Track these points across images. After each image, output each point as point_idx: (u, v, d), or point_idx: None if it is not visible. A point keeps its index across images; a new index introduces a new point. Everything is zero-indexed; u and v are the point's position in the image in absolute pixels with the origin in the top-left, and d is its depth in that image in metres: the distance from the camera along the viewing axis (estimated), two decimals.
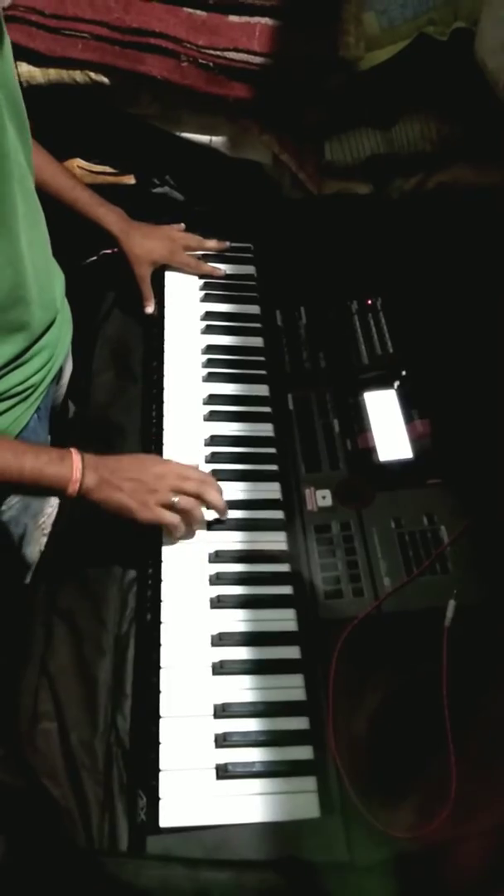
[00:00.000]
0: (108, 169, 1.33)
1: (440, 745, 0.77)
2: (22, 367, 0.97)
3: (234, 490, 0.98)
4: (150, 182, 1.34)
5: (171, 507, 0.90)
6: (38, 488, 0.88)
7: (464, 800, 0.74)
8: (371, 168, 1.28)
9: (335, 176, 1.29)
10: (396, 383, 1.07)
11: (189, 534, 0.93)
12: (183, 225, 1.25)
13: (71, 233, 1.10)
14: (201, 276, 1.22)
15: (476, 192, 1.26)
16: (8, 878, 0.80)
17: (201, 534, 0.94)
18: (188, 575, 0.91)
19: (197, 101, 1.20)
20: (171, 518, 0.91)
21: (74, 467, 0.87)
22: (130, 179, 1.34)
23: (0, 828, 0.83)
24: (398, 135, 1.26)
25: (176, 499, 0.90)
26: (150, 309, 1.17)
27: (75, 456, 0.88)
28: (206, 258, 1.24)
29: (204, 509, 0.94)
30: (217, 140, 1.26)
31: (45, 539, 1.11)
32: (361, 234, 1.26)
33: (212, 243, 1.24)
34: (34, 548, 1.15)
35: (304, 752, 0.79)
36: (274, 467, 1.01)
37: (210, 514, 0.94)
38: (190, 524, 0.93)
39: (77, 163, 1.33)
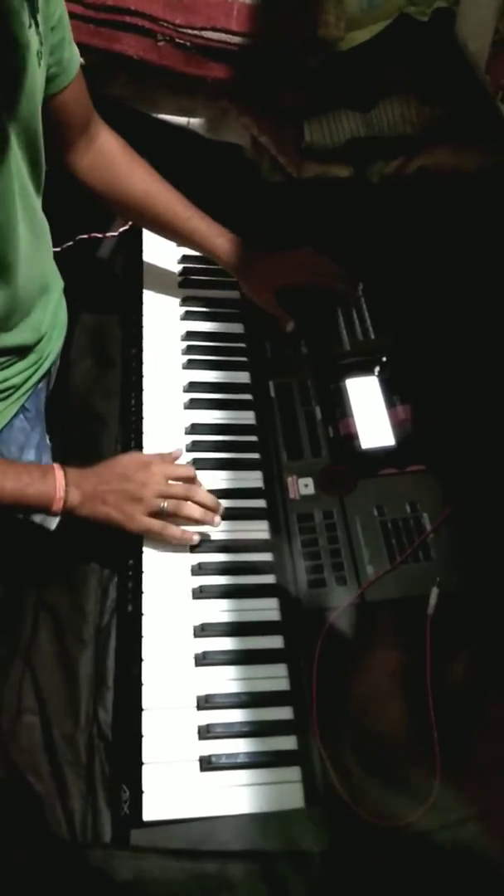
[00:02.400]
0: None
1: (424, 733, 0.77)
2: (4, 368, 0.96)
3: (216, 479, 0.97)
4: None
5: (158, 513, 0.89)
6: (21, 508, 0.87)
7: (448, 788, 0.74)
8: (351, 151, 1.26)
9: (315, 159, 1.27)
10: (377, 369, 1.06)
11: (183, 537, 0.90)
12: (315, 253, 1.14)
13: (51, 216, 1.08)
14: (345, 295, 1.13)
15: (458, 175, 1.25)
16: None
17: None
18: (169, 565, 0.90)
19: (174, 82, 1.17)
20: (160, 526, 0.89)
21: (57, 485, 0.85)
22: None
23: None
24: (378, 117, 1.24)
25: (164, 504, 0.89)
26: (290, 328, 1.09)
27: (58, 472, 0.86)
28: None
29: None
30: (195, 122, 1.24)
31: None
32: (342, 218, 1.25)
33: (329, 265, 1.13)
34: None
35: (288, 743, 0.79)
36: (256, 456, 1.00)
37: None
38: (179, 525, 0.91)
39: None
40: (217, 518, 0.92)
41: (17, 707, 0.82)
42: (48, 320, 1.01)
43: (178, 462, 0.96)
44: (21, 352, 0.97)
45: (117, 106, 1.24)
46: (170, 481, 0.91)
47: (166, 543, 0.90)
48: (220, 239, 1.09)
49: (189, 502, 0.91)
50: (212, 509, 0.92)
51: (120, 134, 1.29)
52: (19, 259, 0.86)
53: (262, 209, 1.28)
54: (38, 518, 0.91)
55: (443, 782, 0.74)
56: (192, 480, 0.93)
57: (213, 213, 1.25)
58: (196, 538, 0.91)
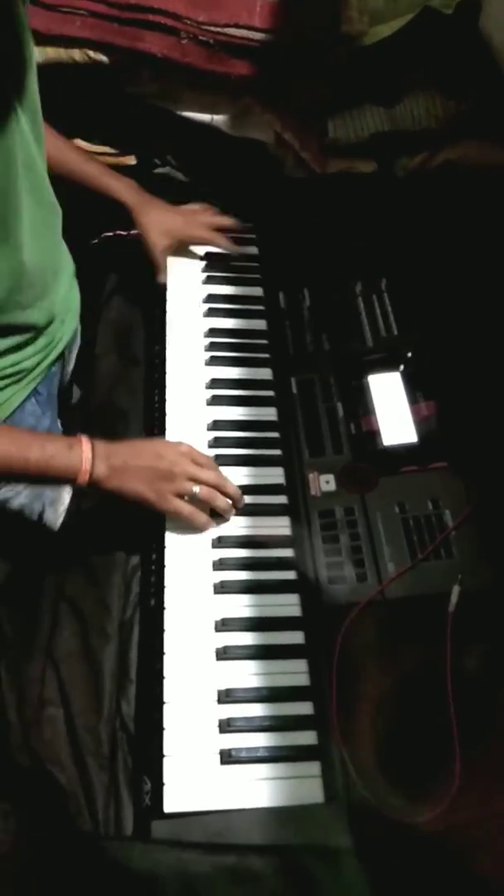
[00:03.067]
0: (108, 150, 1.31)
1: (444, 731, 0.77)
2: (16, 352, 0.96)
3: (237, 475, 0.97)
4: (151, 162, 1.32)
5: (187, 496, 0.89)
6: (47, 479, 0.87)
7: (468, 786, 0.74)
8: (375, 146, 1.25)
9: (339, 154, 1.27)
10: (401, 366, 1.06)
11: (210, 523, 0.91)
12: (211, 208, 1.22)
13: (76, 213, 1.09)
14: (224, 249, 1.19)
15: (483, 169, 1.24)
16: (16, 862, 0.81)
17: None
18: (191, 560, 0.91)
19: (197, 79, 1.17)
20: (190, 510, 0.89)
21: (84, 458, 0.85)
22: (131, 160, 1.32)
23: (8, 812, 0.85)
24: (402, 112, 1.23)
25: (196, 489, 0.89)
26: (162, 278, 1.15)
27: (85, 445, 0.86)
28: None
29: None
30: (218, 119, 1.24)
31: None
32: (366, 213, 1.24)
33: (227, 220, 1.21)
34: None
35: (308, 738, 0.80)
36: (277, 452, 1.00)
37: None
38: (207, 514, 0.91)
39: (77, 143, 1.31)
40: (233, 512, 0.93)
41: (39, 699, 0.83)
42: (60, 302, 1.02)
43: None
44: (33, 333, 0.97)
45: (142, 104, 1.25)
46: (200, 469, 0.91)
47: (189, 527, 0.91)
48: (113, 179, 1.12)
49: (219, 492, 0.91)
50: (236, 502, 0.93)
51: (144, 131, 1.31)
52: (23, 226, 0.85)
53: (286, 204, 1.28)
54: (48, 514, 0.91)
55: (462, 781, 0.74)
56: (221, 473, 0.93)
57: (236, 207, 1.26)
58: (217, 525, 0.92)
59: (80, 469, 0.85)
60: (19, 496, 1.05)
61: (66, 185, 1.04)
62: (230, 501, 0.92)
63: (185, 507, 0.89)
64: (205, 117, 1.24)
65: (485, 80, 1.15)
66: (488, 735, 0.77)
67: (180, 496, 0.89)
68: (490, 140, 1.23)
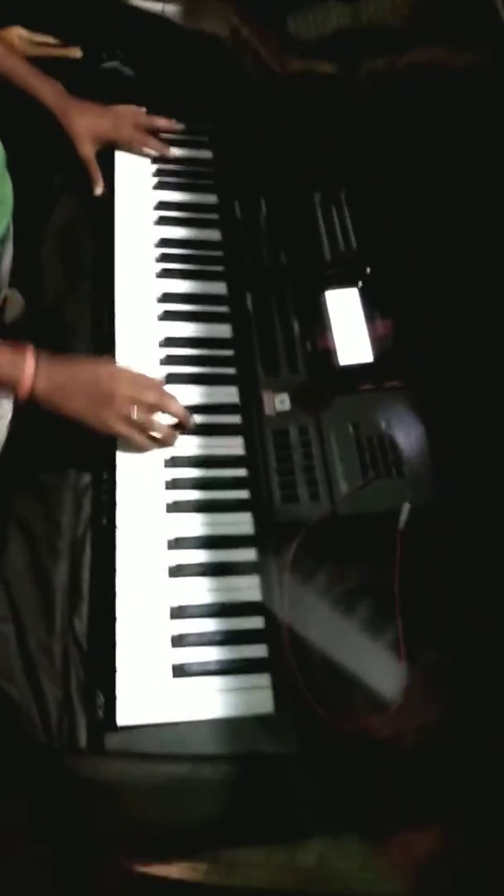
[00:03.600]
0: (51, 40, 1.22)
1: (391, 643, 0.80)
2: None
3: (191, 394, 0.96)
4: (99, 56, 1.23)
5: (127, 419, 0.88)
6: None
7: (411, 696, 0.77)
8: (338, 45, 1.19)
9: (300, 53, 1.20)
10: (360, 282, 1.03)
11: (151, 445, 0.90)
12: (141, 108, 1.15)
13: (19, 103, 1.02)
14: (154, 157, 1.14)
15: (450, 72, 1.18)
16: None
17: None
18: (144, 480, 0.89)
19: None
20: (128, 431, 0.88)
21: (27, 372, 0.84)
22: (77, 52, 1.23)
23: None
24: (367, 7, 1.16)
25: (134, 413, 0.87)
26: (98, 191, 1.10)
27: (29, 359, 0.84)
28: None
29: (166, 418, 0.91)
30: (170, 9, 1.16)
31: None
32: (328, 118, 1.19)
33: (162, 121, 1.16)
34: None
35: (258, 651, 0.81)
36: (231, 370, 0.98)
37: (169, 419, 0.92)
38: (150, 436, 0.90)
39: (17, 31, 1.21)
40: (176, 435, 0.91)
41: None
42: None
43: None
44: None
45: None
46: (141, 390, 0.89)
47: (136, 449, 0.90)
48: (37, 80, 1.07)
49: (156, 418, 0.89)
50: (184, 422, 0.91)
51: (91, 20, 1.21)
52: None
53: (243, 105, 1.21)
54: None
55: (406, 690, 0.77)
56: (165, 394, 0.91)
57: (189, 108, 1.19)
58: (160, 447, 0.91)
59: (21, 382, 0.83)
60: None
61: None
62: (173, 423, 0.91)
63: (123, 430, 0.88)
64: (155, 6, 1.16)
65: None
66: (430, 648, 0.80)
67: (122, 419, 0.87)
68: (457, 43, 1.17)
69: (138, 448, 0.90)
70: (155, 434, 0.90)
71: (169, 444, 0.91)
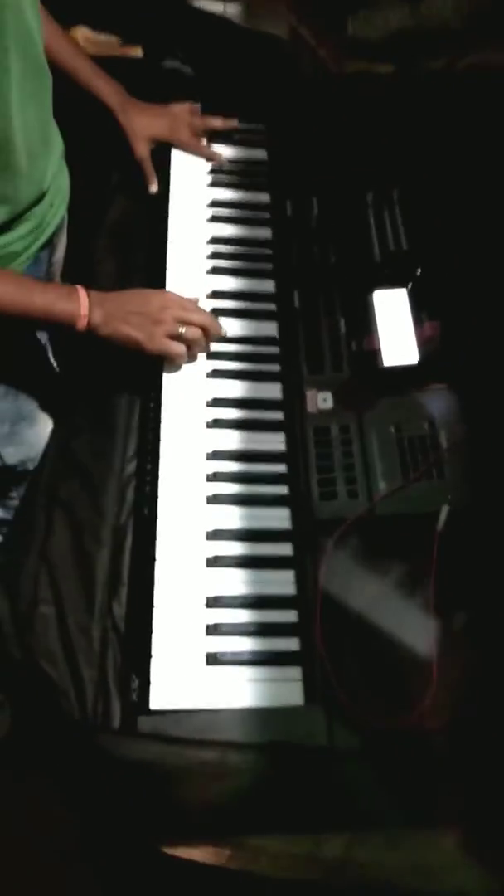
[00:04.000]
0: (113, 39, 1.25)
1: (424, 642, 0.80)
2: (4, 233, 0.95)
3: (235, 388, 0.97)
4: (159, 55, 1.26)
5: (176, 337, 0.94)
6: (48, 323, 0.92)
7: (443, 695, 0.77)
8: (397, 46, 1.19)
9: (358, 54, 1.21)
10: (409, 283, 1.03)
11: (192, 358, 0.98)
12: (196, 105, 1.18)
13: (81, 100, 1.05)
14: (206, 160, 1.16)
15: None
16: (12, 750, 0.86)
17: (199, 429, 0.94)
18: (185, 472, 0.91)
19: None
20: (178, 348, 0.95)
21: (82, 303, 0.90)
22: (138, 52, 1.26)
23: (3, 702, 0.89)
24: (428, 7, 1.16)
25: (182, 329, 0.94)
26: (153, 189, 1.13)
27: (82, 293, 0.91)
28: (212, 139, 1.17)
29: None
30: (231, 9, 1.17)
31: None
32: (383, 119, 1.19)
33: (218, 122, 1.17)
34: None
35: (291, 644, 0.82)
36: (276, 367, 1.00)
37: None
38: (194, 352, 0.98)
39: (81, 32, 1.24)
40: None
41: (33, 597, 0.86)
42: (50, 179, 1.00)
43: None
44: (22, 211, 0.96)
45: None
46: (187, 311, 0.96)
47: (176, 366, 0.97)
48: (101, 80, 1.11)
49: (205, 330, 0.97)
50: (218, 334, 0.99)
51: (152, 20, 1.24)
52: (11, 84, 0.83)
53: (299, 106, 1.22)
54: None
55: (437, 689, 0.77)
56: (207, 312, 0.99)
57: (246, 107, 1.20)
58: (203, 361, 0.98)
59: (80, 314, 0.90)
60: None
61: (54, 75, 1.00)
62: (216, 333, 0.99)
63: (172, 346, 0.95)
64: (217, 6, 1.17)
65: None
66: (465, 650, 0.80)
67: (170, 337, 0.94)
68: None
69: (183, 361, 0.97)
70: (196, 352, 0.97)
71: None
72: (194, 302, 0.99)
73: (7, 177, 0.89)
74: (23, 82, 0.85)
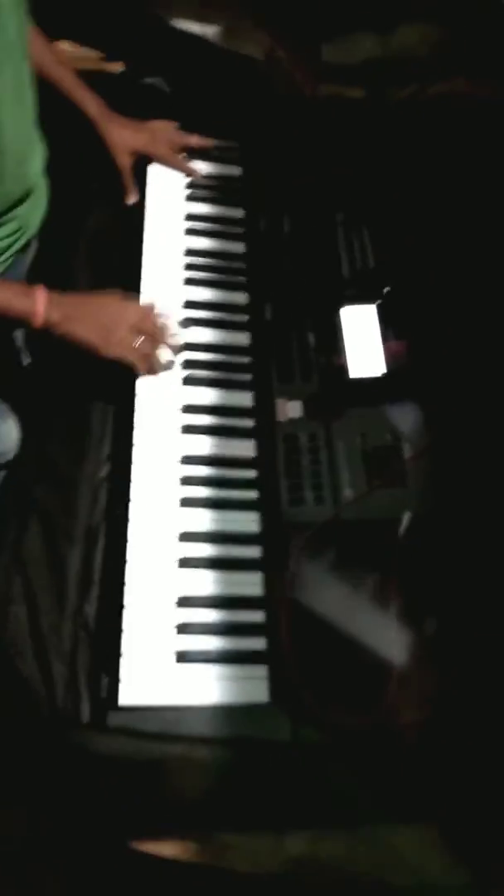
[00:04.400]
0: (94, 54, 1.28)
1: (387, 645, 0.83)
2: None
3: (206, 396, 1.00)
4: (139, 71, 1.29)
5: (131, 347, 0.97)
6: (6, 319, 0.94)
7: (403, 694, 0.81)
8: (367, 73, 1.24)
9: (330, 79, 1.25)
10: (378, 300, 1.07)
11: (151, 370, 0.99)
12: (175, 124, 1.21)
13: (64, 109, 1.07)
14: (183, 174, 1.19)
15: (474, 103, 1.23)
16: None
17: (173, 434, 0.97)
18: (158, 475, 0.94)
19: None
20: (133, 356, 0.97)
21: (38, 301, 0.93)
22: (118, 67, 1.29)
23: None
24: (398, 38, 1.21)
25: (137, 342, 0.97)
26: (131, 200, 1.16)
27: (40, 292, 0.94)
28: (189, 155, 1.21)
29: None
30: (210, 30, 1.21)
31: None
32: (353, 141, 1.23)
33: (195, 139, 1.21)
34: None
35: (258, 644, 0.85)
36: (247, 377, 1.03)
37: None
38: (152, 364, 1.00)
39: (64, 45, 1.27)
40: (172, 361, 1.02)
41: (5, 596, 0.87)
42: (35, 178, 1.02)
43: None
44: (5, 211, 0.98)
45: (134, 8, 1.21)
46: (143, 319, 0.99)
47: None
48: (84, 91, 1.13)
49: (157, 349, 0.99)
50: (172, 348, 1.01)
51: (134, 37, 1.27)
52: (2, 90, 0.86)
53: (274, 125, 1.26)
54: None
55: (397, 689, 0.80)
56: (164, 325, 1.01)
57: (222, 125, 1.24)
58: (159, 374, 1.00)
59: (36, 311, 0.92)
60: None
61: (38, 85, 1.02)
62: (167, 357, 1.00)
63: (127, 354, 0.97)
64: (197, 28, 1.21)
65: (484, 9, 1.13)
66: (426, 653, 0.83)
67: (127, 347, 0.97)
68: (484, 75, 1.22)
69: (140, 371, 0.99)
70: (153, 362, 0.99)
71: (160, 371, 1.01)
72: (152, 311, 1.01)
73: None
74: (10, 85, 0.88)
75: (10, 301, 0.93)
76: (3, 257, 1.03)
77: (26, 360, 1.15)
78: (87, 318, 0.95)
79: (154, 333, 0.99)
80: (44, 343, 0.98)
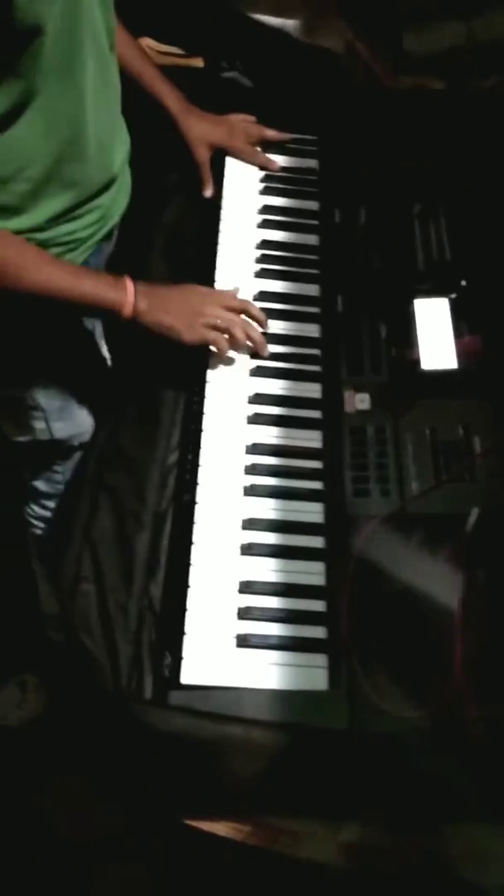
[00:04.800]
0: (176, 50, 1.31)
1: (449, 638, 0.82)
2: (72, 221, 1.00)
3: (276, 387, 1.01)
4: (219, 66, 1.31)
5: (214, 327, 0.99)
6: (95, 310, 0.98)
7: (464, 690, 0.80)
8: (449, 63, 1.22)
9: (411, 69, 1.24)
10: (452, 293, 1.06)
11: (234, 347, 1.01)
12: (253, 118, 1.22)
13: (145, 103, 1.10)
14: (259, 167, 1.21)
15: None
16: (51, 722, 0.91)
17: (239, 425, 0.98)
18: (225, 463, 0.95)
19: None
20: (215, 336, 0.99)
21: (128, 291, 0.95)
22: (199, 62, 1.31)
23: (38, 685, 0.94)
24: (483, 26, 1.19)
25: (220, 322, 0.99)
26: (207, 193, 1.18)
27: (129, 282, 0.96)
28: (266, 149, 1.22)
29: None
30: (290, 24, 1.22)
31: None
32: (433, 132, 1.22)
33: (272, 133, 1.22)
34: None
35: (318, 632, 0.85)
36: (317, 368, 1.03)
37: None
38: (234, 342, 1.01)
39: (146, 42, 1.30)
40: (266, 349, 1.03)
41: (75, 575, 0.90)
42: (117, 169, 1.05)
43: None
44: (89, 197, 1.01)
45: (214, 4, 1.23)
46: (226, 301, 1.01)
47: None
48: (165, 86, 1.16)
49: (241, 322, 1.01)
50: (262, 325, 1.03)
51: (214, 33, 1.29)
52: (86, 76, 0.89)
53: (352, 118, 1.26)
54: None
55: (459, 685, 0.79)
56: (247, 302, 1.03)
57: (300, 117, 1.25)
58: (245, 351, 1.03)
59: (126, 301, 0.95)
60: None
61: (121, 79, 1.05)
62: (254, 332, 1.02)
63: (210, 334, 0.99)
64: (276, 21, 1.22)
65: None
66: (489, 649, 0.82)
67: (210, 326, 0.99)
68: None
69: (221, 350, 1.00)
70: (239, 339, 1.01)
71: (255, 347, 1.02)
72: (234, 294, 1.04)
73: (77, 163, 0.94)
74: (96, 75, 0.91)
75: (101, 292, 0.95)
76: (87, 245, 1.06)
77: (105, 351, 1.19)
78: (173, 306, 0.98)
79: (238, 307, 1.01)
80: (120, 334, 1.02)
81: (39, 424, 1.16)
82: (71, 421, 1.17)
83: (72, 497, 0.98)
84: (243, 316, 1.02)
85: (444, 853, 0.82)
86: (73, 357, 1.14)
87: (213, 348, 1.00)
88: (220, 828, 0.83)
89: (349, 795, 0.82)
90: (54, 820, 0.95)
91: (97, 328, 1.16)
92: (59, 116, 0.88)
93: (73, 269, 0.97)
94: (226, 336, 1.00)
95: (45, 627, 0.89)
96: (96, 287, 0.95)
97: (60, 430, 1.17)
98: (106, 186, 1.03)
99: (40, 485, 1.30)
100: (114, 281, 0.96)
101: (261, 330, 1.03)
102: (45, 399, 1.13)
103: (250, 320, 1.02)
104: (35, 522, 1.35)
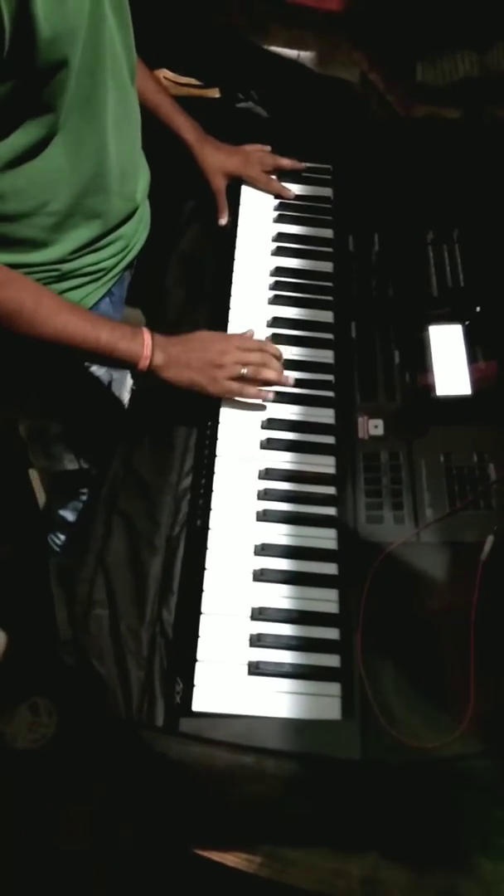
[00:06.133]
0: (192, 81, 1.33)
1: (462, 668, 0.81)
2: (96, 252, 1.01)
3: (289, 412, 1.01)
4: (235, 96, 1.33)
5: (238, 378, 0.98)
6: (111, 360, 0.96)
7: (478, 721, 0.78)
8: (463, 93, 1.23)
9: (425, 99, 1.26)
10: (466, 320, 1.06)
11: (260, 395, 1.01)
12: (268, 147, 1.24)
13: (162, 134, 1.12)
14: (274, 195, 1.22)
15: None
16: (61, 744, 0.90)
17: (252, 451, 0.98)
18: (238, 488, 0.95)
19: (287, 13, 1.17)
20: (239, 387, 0.99)
21: (145, 345, 0.94)
22: (215, 93, 1.33)
23: (51, 709, 0.93)
24: (496, 57, 1.20)
25: (244, 370, 0.98)
26: (223, 221, 1.19)
27: (146, 334, 0.95)
28: (281, 178, 1.23)
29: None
30: (305, 55, 1.24)
31: None
32: (446, 161, 1.23)
33: (286, 162, 1.24)
34: None
35: (331, 660, 0.85)
36: (330, 394, 1.03)
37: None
38: (256, 388, 1.00)
39: (163, 73, 1.33)
40: (290, 378, 1.02)
41: (88, 597, 0.90)
42: (140, 196, 1.06)
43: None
44: (112, 228, 1.02)
45: (230, 37, 1.25)
46: (247, 353, 1.00)
47: (244, 406, 1.01)
48: (181, 116, 1.17)
49: (265, 367, 1.00)
50: (279, 359, 1.02)
51: (230, 64, 1.31)
52: (107, 110, 0.90)
53: (365, 147, 1.27)
54: (115, 383, 1.01)
55: (473, 715, 0.78)
56: (266, 353, 1.01)
57: (315, 147, 1.26)
58: (271, 396, 1.01)
59: (142, 355, 0.94)
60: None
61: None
62: (276, 371, 1.01)
63: (233, 386, 0.99)
64: (291, 53, 1.24)
65: None
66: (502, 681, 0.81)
67: (230, 379, 0.98)
68: None
69: (248, 397, 1.00)
70: (267, 378, 1.00)
71: (278, 384, 1.01)
72: (252, 338, 1.03)
73: (100, 194, 0.96)
74: (117, 107, 0.93)
75: (118, 343, 0.93)
76: (111, 275, 1.07)
77: (126, 394, 1.18)
78: (193, 360, 0.96)
79: (258, 361, 1.00)
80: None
81: (67, 454, 1.17)
82: (96, 450, 1.17)
83: (86, 520, 0.98)
84: (262, 355, 1.01)
85: (459, 888, 0.80)
86: (89, 397, 1.15)
87: (239, 399, 1.00)
88: (230, 858, 0.82)
89: (362, 827, 0.81)
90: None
91: (113, 375, 1.16)
92: (82, 149, 0.90)
93: (90, 318, 0.94)
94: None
95: (59, 651, 0.89)
96: (112, 338, 0.93)
97: (87, 458, 1.18)
98: (128, 217, 1.04)
99: (67, 514, 1.30)
100: (131, 332, 0.95)
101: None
102: (70, 428, 1.14)
103: (270, 359, 1.01)
104: (58, 551, 1.35)
